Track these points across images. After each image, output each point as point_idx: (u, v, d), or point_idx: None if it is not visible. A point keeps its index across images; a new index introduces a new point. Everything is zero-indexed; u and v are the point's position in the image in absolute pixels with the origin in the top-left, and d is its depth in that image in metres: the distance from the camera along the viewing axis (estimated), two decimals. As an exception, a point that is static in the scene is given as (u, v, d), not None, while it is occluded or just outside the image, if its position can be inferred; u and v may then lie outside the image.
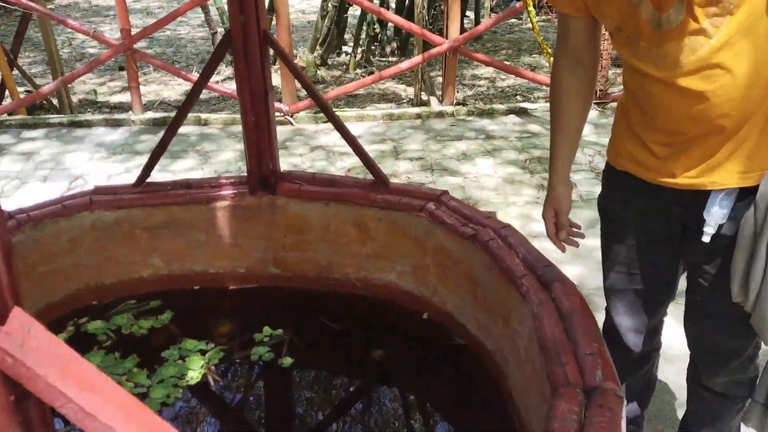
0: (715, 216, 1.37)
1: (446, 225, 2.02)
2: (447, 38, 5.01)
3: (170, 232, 2.28)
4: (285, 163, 4.16)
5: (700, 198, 1.38)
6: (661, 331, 1.77)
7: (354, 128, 4.77)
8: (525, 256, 1.78)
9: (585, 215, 3.22)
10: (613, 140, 1.56)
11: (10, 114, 5.21)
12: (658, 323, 1.72)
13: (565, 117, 1.53)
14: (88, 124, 5.07)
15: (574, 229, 1.64)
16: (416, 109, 5.20)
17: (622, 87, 1.52)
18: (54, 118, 5.16)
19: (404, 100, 5.91)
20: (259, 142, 2.18)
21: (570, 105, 1.51)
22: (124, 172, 4.18)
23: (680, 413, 2.07)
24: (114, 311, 2.20)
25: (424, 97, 5.56)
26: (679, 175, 1.39)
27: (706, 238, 1.39)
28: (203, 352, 2.03)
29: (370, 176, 2.21)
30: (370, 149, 4.34)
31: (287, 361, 1.99)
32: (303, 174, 2.30)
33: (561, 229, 1.62)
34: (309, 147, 4.59)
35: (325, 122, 4.97)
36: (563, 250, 1.66)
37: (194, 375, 1.94)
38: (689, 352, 1.67)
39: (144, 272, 2.32)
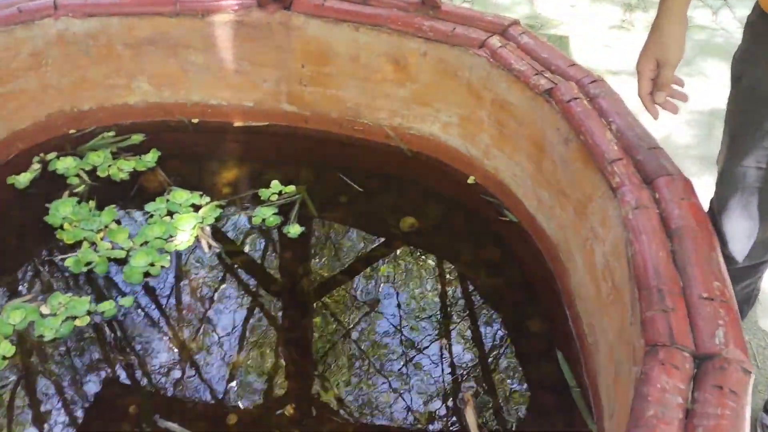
0: None
1: (513, 71, 1.50)
2: None
3: (159, 51, 1.81)
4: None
5: None
6: None
7: None
8: (621, 130, 1.29)
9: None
10: None
11: None
12: (778, 231, 1.29)
13: None
14: None
15: (676, 87, 1.15)
16: None
17: None
18: None
19: None
20: (269, -65, 1.60)
21: None
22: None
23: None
24: (88, 146, 1.81)
25: None
26: None
27: None
28: (196, 208, 1.67)
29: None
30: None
31: (296, 229, 1.62)
32: (327, -17, 1.74)
33: (661, 89, 1.14)
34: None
35: None
36: (656, 116, 1.19)
37: (184, 238, 1.59)
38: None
39: (129, 98, 1.88)
